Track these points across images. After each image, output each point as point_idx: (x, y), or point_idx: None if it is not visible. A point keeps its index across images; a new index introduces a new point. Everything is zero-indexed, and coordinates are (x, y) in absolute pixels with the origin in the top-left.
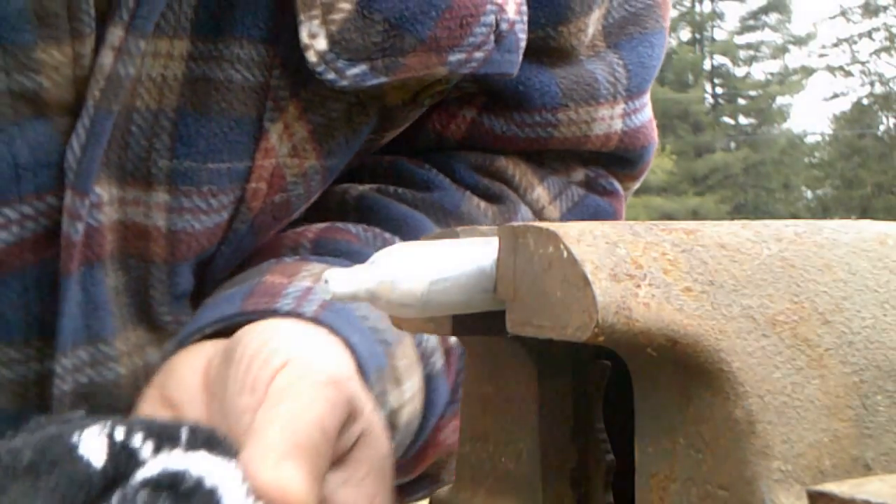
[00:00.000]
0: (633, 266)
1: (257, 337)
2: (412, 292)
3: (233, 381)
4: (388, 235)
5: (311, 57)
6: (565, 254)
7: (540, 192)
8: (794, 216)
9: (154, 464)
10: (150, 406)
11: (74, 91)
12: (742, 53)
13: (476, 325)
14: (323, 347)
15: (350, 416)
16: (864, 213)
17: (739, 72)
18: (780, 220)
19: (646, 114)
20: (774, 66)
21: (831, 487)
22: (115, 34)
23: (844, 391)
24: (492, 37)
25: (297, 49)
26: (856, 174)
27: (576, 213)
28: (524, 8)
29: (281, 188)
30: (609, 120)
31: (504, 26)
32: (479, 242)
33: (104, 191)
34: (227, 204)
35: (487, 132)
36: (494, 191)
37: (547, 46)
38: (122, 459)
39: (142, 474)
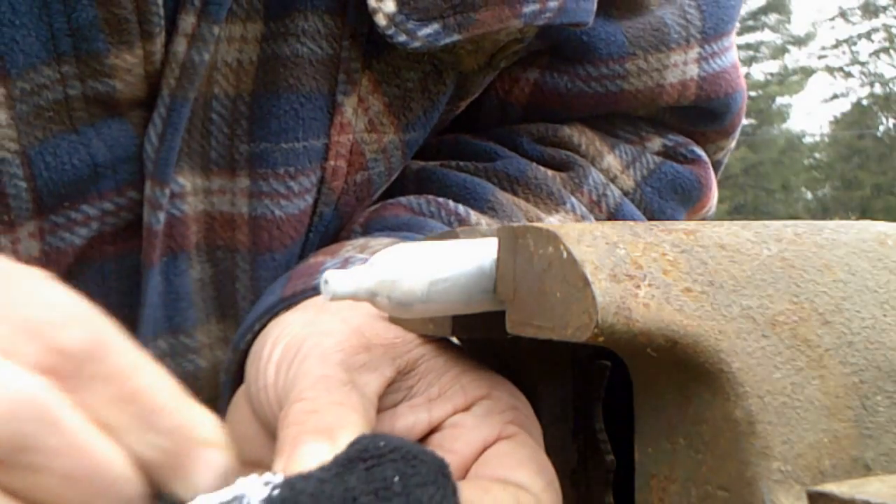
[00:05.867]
0: (633, 266)
1: (258, 344)
2: (412, 292)
3: (254, 399)
4: (441, 200)
5: (381, 20)
6: (565, 254)
7: (610, 161)
8: (794, 217)
9: None
10: (240, 415)
11: (147, 85)
12: (741, 54)
13: (476, 325)
14: (327, 312)
15: (363, 345)
16: (864, 213)
17: None
18: (779, 221)
19: (727, 58)
20: (774, 66)
21: (831, 488)
22: (188, 21)
23: (844, 391)
24: None
25: (367, 17)
26: (855, 175)
27: (652, 181)
28: None
29: (361, 166)
30: (682, 66)
31: None
32: (479, 242)
33: (188, 181)
34: (310, 187)
35: (552, 93)
36: (561, 158)
37: None
38: None
39: None
